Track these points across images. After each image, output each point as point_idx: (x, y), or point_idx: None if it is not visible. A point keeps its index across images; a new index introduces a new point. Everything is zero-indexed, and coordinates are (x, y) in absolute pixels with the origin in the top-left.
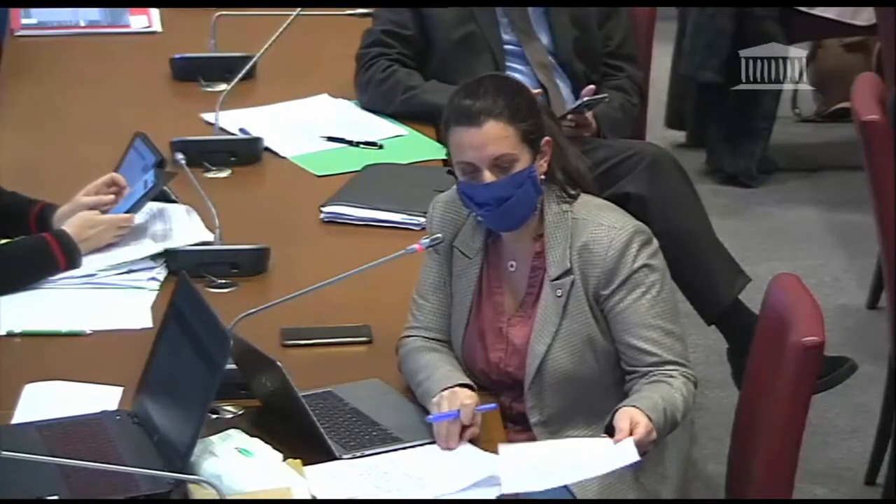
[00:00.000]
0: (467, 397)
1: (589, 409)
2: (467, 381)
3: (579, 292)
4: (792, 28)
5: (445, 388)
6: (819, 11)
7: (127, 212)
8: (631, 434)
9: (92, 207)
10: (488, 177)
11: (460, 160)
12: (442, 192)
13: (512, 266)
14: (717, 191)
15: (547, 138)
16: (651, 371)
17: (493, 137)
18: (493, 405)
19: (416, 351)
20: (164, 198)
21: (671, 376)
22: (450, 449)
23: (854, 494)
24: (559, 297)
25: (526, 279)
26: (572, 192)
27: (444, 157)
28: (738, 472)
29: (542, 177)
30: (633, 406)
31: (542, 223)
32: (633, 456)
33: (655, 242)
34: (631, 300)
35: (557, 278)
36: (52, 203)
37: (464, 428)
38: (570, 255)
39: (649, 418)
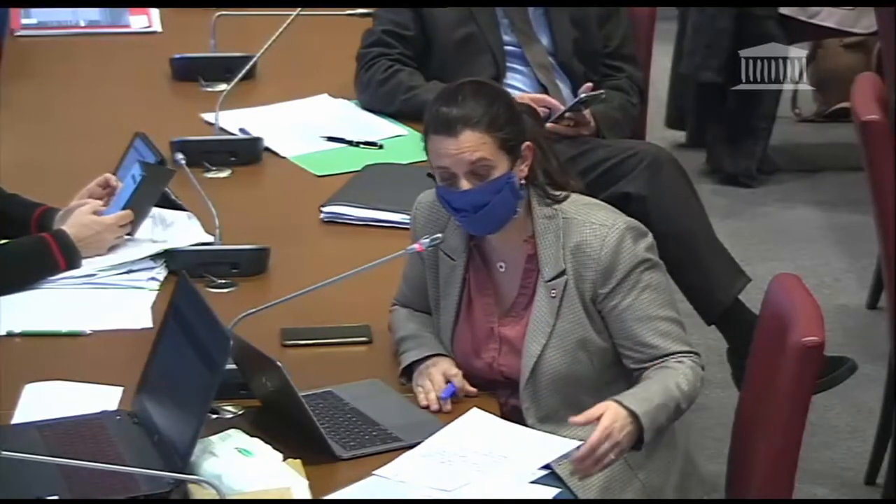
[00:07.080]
0: (448, 368)
1: (585, 408)
2: (431, 351)
3: (572, 293)
4: (791, 30)
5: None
6: (819, 20)
7: (123, 209)
8: (597, 420)
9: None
10: (465, 184)
11: (438, 166)
12: None
13: (501, 267)
14: (717, 191)
15: (528, 143)
16: (662, 361)
17: (470, 146)
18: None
19: (398, 319)
20: (167, 199)
21: (680, 362)
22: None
23: (854, 494)
24: (553, 297)
25: (518, 280)
26: (555, 193)
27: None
28: (738, 472)
29: (523, 181)
30: (616, 401)
31: (532, 225)
32: (566, 447)
33: (650, 235)
34: (633, 297)
35: (552, 279)
36: (53, 207)
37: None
38: (564, 256)
39: (632, 412)
